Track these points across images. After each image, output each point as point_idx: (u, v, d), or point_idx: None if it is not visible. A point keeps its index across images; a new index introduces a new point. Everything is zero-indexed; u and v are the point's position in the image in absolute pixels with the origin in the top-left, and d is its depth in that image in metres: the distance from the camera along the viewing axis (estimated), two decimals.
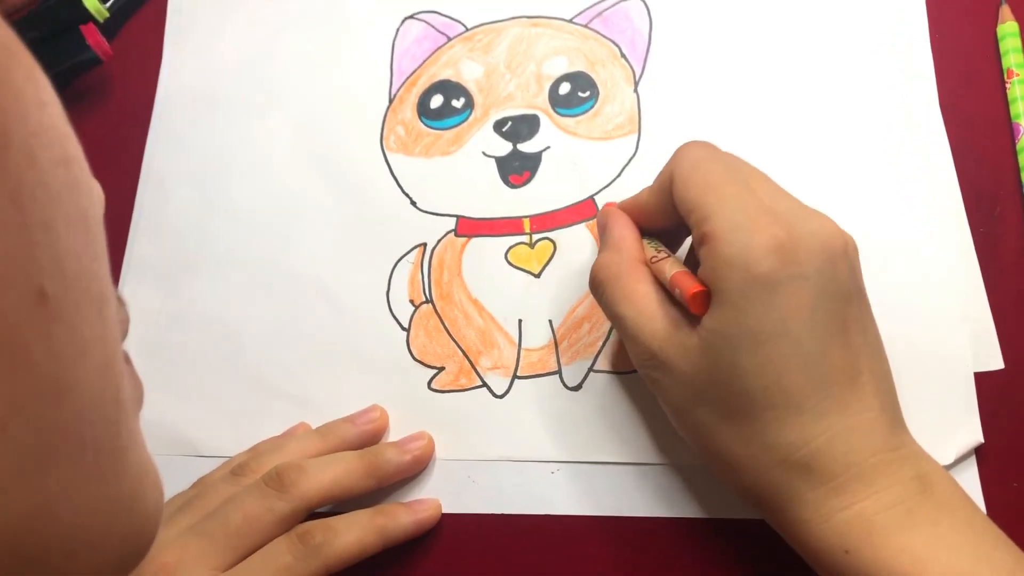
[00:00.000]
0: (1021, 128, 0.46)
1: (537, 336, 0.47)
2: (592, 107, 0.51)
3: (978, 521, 0.34)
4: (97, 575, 0.22)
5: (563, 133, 0.51)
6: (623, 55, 0.52)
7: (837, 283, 0.34)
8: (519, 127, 0.51)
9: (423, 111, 0.53)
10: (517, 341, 0.47)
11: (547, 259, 0.48)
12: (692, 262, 0.40)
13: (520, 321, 0.47)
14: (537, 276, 0.48)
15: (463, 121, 0.52)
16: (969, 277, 0.45)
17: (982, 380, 0.43)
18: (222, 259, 0.52)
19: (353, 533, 0.41)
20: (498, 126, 0.51)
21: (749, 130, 0.49)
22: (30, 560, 0.20)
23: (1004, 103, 0.47)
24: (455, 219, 0.50)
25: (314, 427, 0.47)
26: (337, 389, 0.48)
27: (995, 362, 0.43)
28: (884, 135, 0.48)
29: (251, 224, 0.52)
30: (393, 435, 0.46)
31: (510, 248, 0.49)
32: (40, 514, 0.20)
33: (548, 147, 0.50)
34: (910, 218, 0.46)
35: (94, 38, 0.53)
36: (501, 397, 0.46)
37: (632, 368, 0.44)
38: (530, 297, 0.48)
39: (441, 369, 0.47)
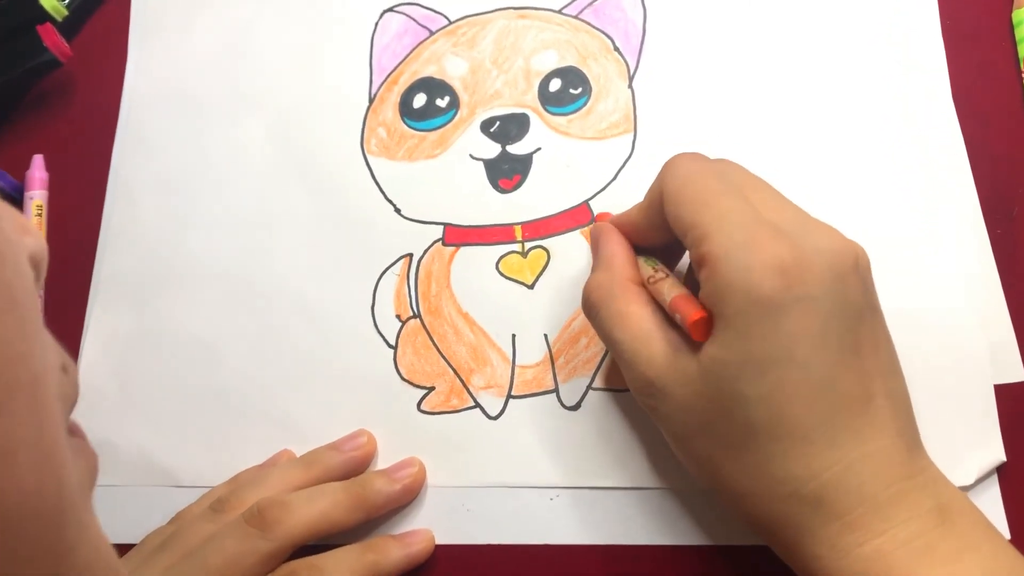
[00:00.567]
0: None
1: (532, 352, 0.45)
2: (585, 105, 0.48)
3: (1003, 555, 0.32)
4: None
5: (554, 133, 0.48)
6: (616, 48, 0.49)
7: (848, 302, 0.32)
8: (508, 127, 0.48)
9: (405, 111, 0.50)
10: (511, 357, 0.45)
11: (541, 269, 0.46)
12: (692, 280, 0.38)
13: (514, 336, 0.45)
14: (530, 287, 0.46)
15: (448, 121, 0.49)
16: (987, 282, 0.42)
17: (1002, 392, 0.41)
18: (197, 273, 0.49)
19: (341, 573, 0.39)
20: (485, 126, 0.48)
21: (751, 127, 0.46)
22: None
23: (1021, 95, 0.45)
24: (442, 227, 0.47)
25: (298, 453, 0.44)
26: (321, 412, 0.45)
27: (1016, 373, 0.41)
28: (892, 131, 0.45)
29: (227, 235, 0.49)
30: (381, 460, 0.44)
31: (501, 257, 0.46)
32: None
33: (539, 148, 0.48)
34: (922, 220, 0.44)
35: (52, 39, 0.50)
36: (495, 418, 0.44)
37: None
38: (524, 310, 0.45)
39: (431, 389, 0.45)
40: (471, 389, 0.44)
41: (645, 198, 0.38)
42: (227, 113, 0.52)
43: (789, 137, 0.46)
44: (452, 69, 0.50)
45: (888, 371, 0.34)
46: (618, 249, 0.39)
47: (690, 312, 0.33)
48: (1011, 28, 0.46)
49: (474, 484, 0.43)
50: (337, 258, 0.48)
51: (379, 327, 0.46)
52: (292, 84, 0.52)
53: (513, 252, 0.46)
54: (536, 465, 0.43)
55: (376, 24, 0.52)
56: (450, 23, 0.51)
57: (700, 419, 0.33)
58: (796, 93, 0.47)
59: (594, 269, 0.39)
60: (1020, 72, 0.45)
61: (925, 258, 0.43)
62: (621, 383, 0.43)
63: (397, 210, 0.48)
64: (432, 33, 0.51)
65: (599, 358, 0.44)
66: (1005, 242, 0.43)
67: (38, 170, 0.51)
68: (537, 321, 0.45)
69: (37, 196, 0.51)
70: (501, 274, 0.46)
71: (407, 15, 0.52)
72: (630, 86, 0.48)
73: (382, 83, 0.51)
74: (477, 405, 0.44)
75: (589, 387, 0.43)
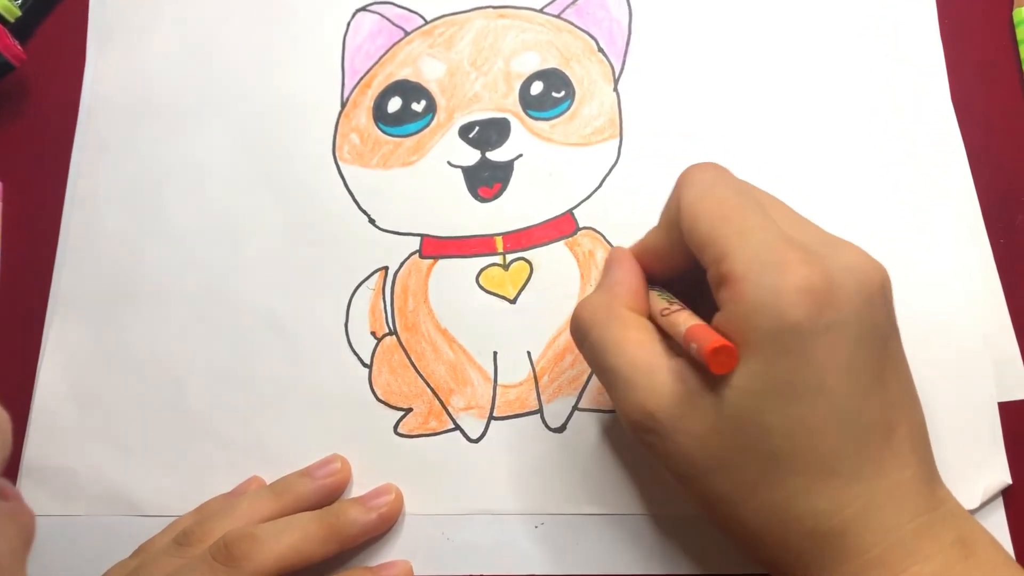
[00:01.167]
0: None
1: (514, 370, 0.42)
2: (568, 109, 0.46)
3: None
4: None
5: (537, 139, 0.46)
6: (600, 49, 0.47)
7: (875, 327, 0.30)
8: (487, 133, 0.46)
9: (380, 116, 0.47)
10: (492, 376, 0.42)
11: (523, 282, 0.44)
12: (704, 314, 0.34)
13: (495, 353, 0.43)
14: (512, 302, 0.43)
15: (425, 127, 0.47)
16: (990, 294, 0.41)
17: (1006, 411, 0.39)
18: (160, 289, 0.46)
19: None
20: (464, 132, 0.46)
21: (743, 132, 0.44)
22: None
23: (1022, 97, 0.43)
24: (419, 238, 0.45)
25: (268, 480, 0.42)
26: (292, 435, 0.43)
27: (1020, 390, 0.39)
28: (890, 136, 0.43)
29: (192, 248, 0.47)
30: (356, 486, 0.42)
31: (482, 270, 0.44)
32: None
33: (520, 155, 0.45)
34: (921, 229, 0.42)
35: (4, 42, 0.48)
36: (476, 441, 0.42)
37: None
38: (506, 326, 0.43)
39: (408, 411, 0.42)
40: (451, 410, 0.42)
41: (661, 216, 0.35)
42: (192, 119, 0.49)
43: (779, 142, 0.44)
44: (429, 71, 0.48)
45: (909, 400, 0.32)
46: (628, 276, 0.36)
47: (710, 340, 0.30)
48: (1012, 28, 0.44)
49: (454, 511, 0.41)
50: (308, 272, 0.45)
51: (353, 345, 0.44)
52: (260, 88, 0.49)
53: (494, 265, 0.44)
54: (520, 491, 0.41)
55: (348, 24, 0.49)
56: (426, 23, 0.49)
57: (716, 456, 0.31)
58: (789, 95, 0.45)
59: (593, 291, 0.37)
60: (1022, 73, 0.43)
61: (925, 269, 0.41)
62: (609, 403, 0.41)
63: (371, 220, 0.46)
64: (407, 33, 0.49)
65: (586, 377, 0.42)
66: (1008, 252, 0.41)
67: None
68: (520, 338, 0.43)
69: None
70: (481, 288, 0.44)
71: (381, 14, 0.49)
72: (615, 89, 0.46)
73: (355, 86, 0.48)
74: (457, 427, 0.42)
75: (575, 408, 0.41)
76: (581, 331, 0.35)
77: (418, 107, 0.47)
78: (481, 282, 0.44)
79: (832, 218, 0.41)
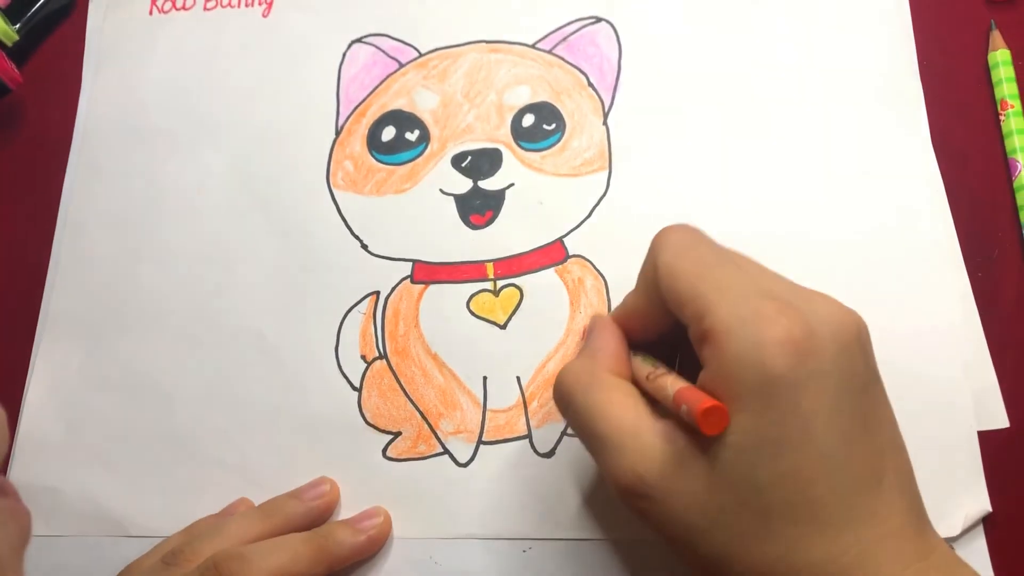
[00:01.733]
0: (1019, 164, 0.43)
1: (504, 395, 0.43)
2: (558, 141, 0.47)
3: None
4: None
5: (528, 169, 0.46)
6: (591, 84, 0.48)
7: (854, 374, 0.30)
8: (480, 162, 0.47)
9: (374, 145, 0.48)
10: (482, 401, 0.43)
11: (513, 308, 0.44)
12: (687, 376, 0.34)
13: (485, 378, 0.43)
14: (503, 327, 0.44)
15: (418, 155, 0.47)
16: (969, 326, 0.42)
17: (985, 440, 0.40)
18: (151, 311, 0.47)
19: None
20: (457, 161, 0.47)
21: (728, 168, 0.45)
22: None
23: (999, 137, 0.44)
24: (411, 264, 0.46)
25: (256, 502, 0.42)
26: (281, 458, 0.43)
27: (999, 420, 0.40)
28: (871, 173, 0.44)
29: (183, 271, 0.47)
30: (344, 509, 0.42)
31: (472, 296, 0.45)
32: None
33: (512, 184, 0.46)
34: (902, 263, 0.43)
35: (1, 65, 0.48)
36: (465, 465, 0.42)
37: None
38: (495, 351, 0.44)
39: (397, 434, 0.43)
40: (440, 434, 0.42)
41: (639, 278, 0.35)
42: (186, 144, 0.50)
43: (764, 180, 0.45)
44: (422, 102, 0.49)
45: (894, 447, 0.32)
46: (609, 341, 0.36)
47: (700, 401, 0.29)
48: (987, 71, 0.46)
49: (442, 535, 0.41)
50: (299, 295, 0.46)
51: (343, 368, 0.44)
52: (255, 114, 0.50)
53: (484, 290, 0.45)
54: (508, 515, 0.41)
55: (344, 55, 0.50)
56: (421, 55, 0.50)
57: (709, 515, 0.30)
58: (774, 134, 0.46)
59: (576, 357, 0.36)
60: (998, 114, 0.45)
61: (906, 302, 0.42)
62: None
63: (364, 246, 0.46)
64: (402, 65, 0.50)
65: None
66: (986, 285, 0.42)
67: None
68: (509, 363, 0.43)
69: None
70: (472, 313, 0.44)
71: (376, 46, 0.50)
72: (605, 123, 0.47)
73: (349, 115, 0.49)
74: (446, 451, 0.42)
75: (564, 433, 0.42)
76: (564, 397, 0.35)
77: (412, 136, 0.48)
78: (472, 307, 0.44)
79: (814, 254, 0.43)
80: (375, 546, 0.40)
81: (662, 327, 0.35)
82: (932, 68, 0.46)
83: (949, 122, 0.45)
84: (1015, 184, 0.43)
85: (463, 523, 0.41)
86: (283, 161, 0.49)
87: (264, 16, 0.52)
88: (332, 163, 0.48)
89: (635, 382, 0.34)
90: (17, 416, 0.45)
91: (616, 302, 0.36)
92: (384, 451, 0.42)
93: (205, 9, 0.53)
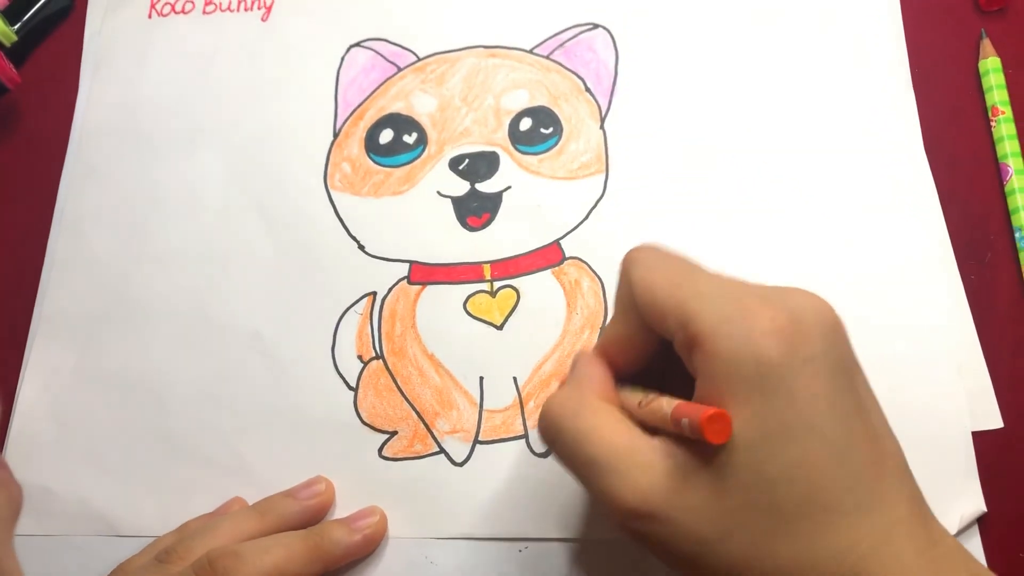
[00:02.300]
0: (1010, 169, 0.44)
1: (500, 395, 0.43)
2: (556, 144, 0.47)
3: None
4: None
5: (525, 172, 0.47)
6: (587, 89, 0.48)
7: (843, 358, 0.30)
8: (477, 165, 0.47)
9: (371, 147, 0.48)
10: (478, 401, 0.43)
11: (510, 309, 0.44)
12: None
13: (481, 379, 0.43)
14: (499, 328, 0.44)
15: (416, 158, 0.48)
16: (962, 328, 0.42)
17: (979, 440, 0.40)
18: (146, 311, 0.47)
19: None
20: (454, 164, 0.47)
21: (724, 173, 0.46)
22: None
23: (990, 142, 0.45)
24: (408, 265, 0.46)
25: (251, 502, 0.42)
26: (276, 458, 0.43)
27: (993, 420, 0.41)
28: (866, 178, 0.45)
29: (179, 272, 0.47)
30: (340, 509, 0.42)
31: (469, 297, 0.45)
32: None
33: (509, 187, 0.46)
34: (896, 267, 0.43)
35: None
36: (461, 465, 0.42)
37: None
38: (492, 352, 0.44)
39: (393, 434, 0.43)
40: (436, 434, 0.42)
41: (615, 304, 0.35)
42: (183, 145, 0.50)
43: (759, 183, 0.45)
44: (420, 106, 0.49)
45: (887, 433, 0.31)
46: (594, 370, 0.34)
47: (701, 411, 0.28)
48: (978, 78, 0.46)
49: (438, 535, 0.41)
50: (296, 295, 0.46)
51: (339, 368, 0.44)
52: (253, 116, 0.50)
53: (481, 291, 0.45)
54: (504, 515, 0.41)
55: (342, 59, 0.51)
56: (419, 60, 0.50)
57: (721, 523, 0.29)
58: (769, 138, 0.46)
59: (560, 387, 0.36)
60: (989, 120, 0.45)
61: (900, 305, 0.42)
62: None
63: (361, 247, 0.46)
64: (400, 69, 0.50)
65: None
66: (978, 287, 0.43)
67: None
68: (506, 363, 0.43)
69: None
70: (469, 314, 0.44)
71: (375, 51, 0.51)
72: (602, 127, 0.48)
73: (347, 118, 0.49)
74: (442, 451, 0.42)
75: None
76: (552, 427, 0.33)
77: (409, 139, 0.48)
78: (468, 308, 0.45)
79: (808, 258, 0.43)
80: (371, 545, 0.40)
81: (645, 353, 0.34)
82: (924, 76, 0.47)
83: (941, 128, 0.46)
84: (1006, 188, 0.44)
85: (459, 522, 0.41)
86: (280, 162, 0.49)
87: (263, 20, 0.52)
88: (330, 165, 0.48)
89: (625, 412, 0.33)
90: (9, 415, 0.45)
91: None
92: (380, 450, 0.42)
93: (204, 12, 0.53)
